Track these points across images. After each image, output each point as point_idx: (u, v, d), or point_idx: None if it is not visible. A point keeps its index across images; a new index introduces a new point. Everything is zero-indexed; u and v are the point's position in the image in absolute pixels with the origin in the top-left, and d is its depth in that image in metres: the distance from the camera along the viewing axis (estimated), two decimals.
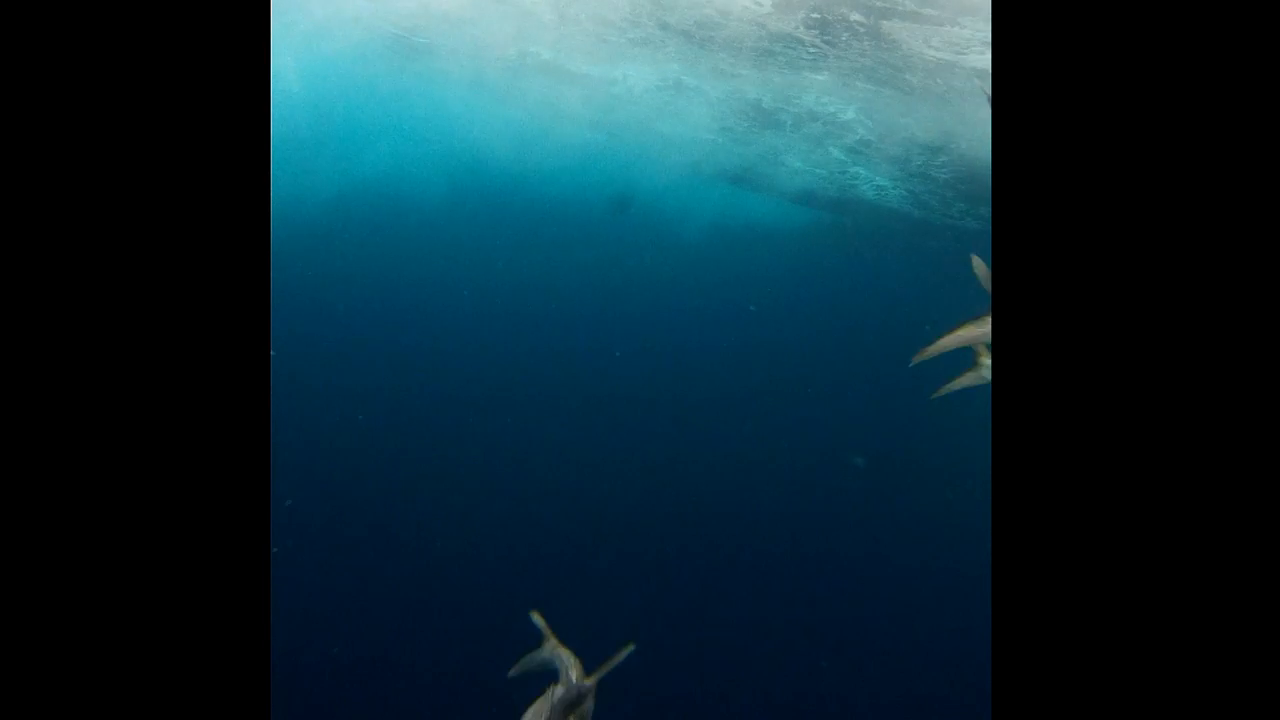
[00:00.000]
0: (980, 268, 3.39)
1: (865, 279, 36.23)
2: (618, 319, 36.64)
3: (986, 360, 3.87)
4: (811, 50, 12.60)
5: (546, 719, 4.44)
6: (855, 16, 10.81)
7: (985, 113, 12.82)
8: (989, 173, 15.48)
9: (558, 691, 4.54)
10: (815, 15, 11.11)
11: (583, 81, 17.45)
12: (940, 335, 3.56)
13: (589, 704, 4.52)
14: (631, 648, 4.55)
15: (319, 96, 25.73)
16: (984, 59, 10.93)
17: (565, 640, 5.05)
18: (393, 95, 24.09)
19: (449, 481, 18.06)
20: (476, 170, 37.98)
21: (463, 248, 39.95)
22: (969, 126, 14.19)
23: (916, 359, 3.57)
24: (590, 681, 4.57)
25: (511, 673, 5.11)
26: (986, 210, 19.45)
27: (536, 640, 5.07)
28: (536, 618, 5.09)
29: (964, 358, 3.87)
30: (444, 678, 12.22)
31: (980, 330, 3.49)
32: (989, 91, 3.02)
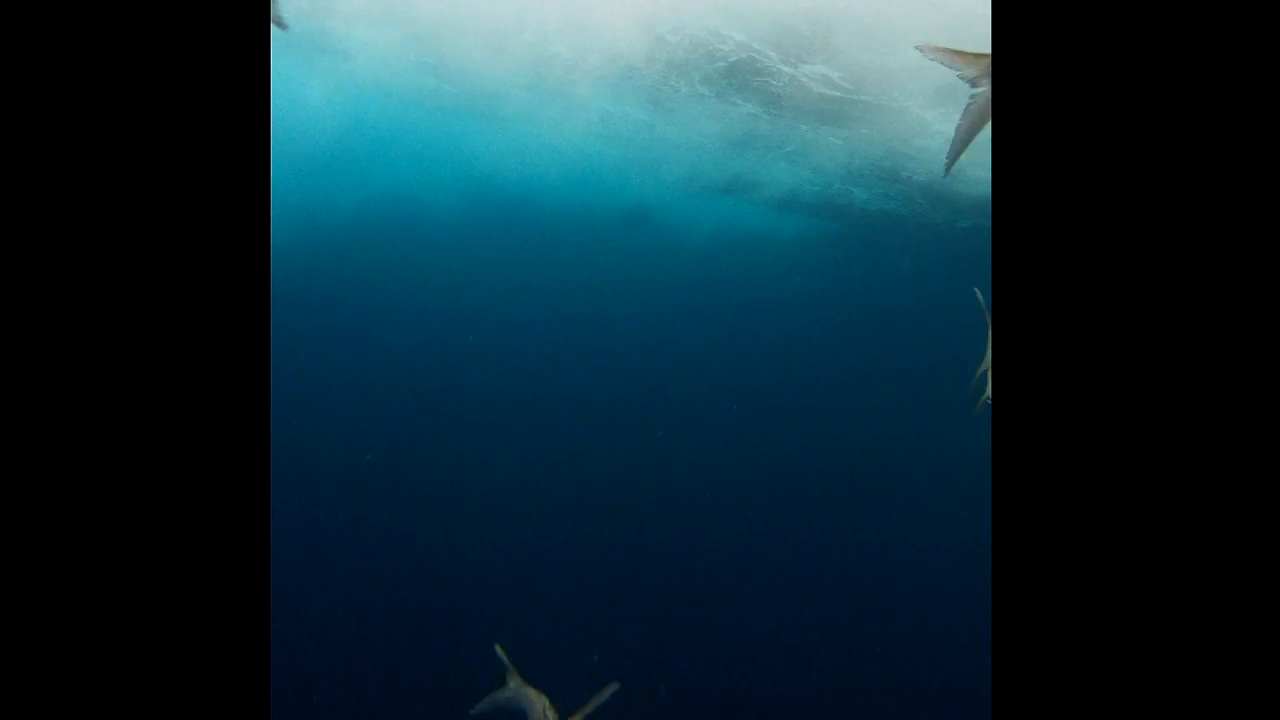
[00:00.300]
0: (980, 299, 3.68)
1: (853, 277, 36.52)
2: (620, 324, 36.73)
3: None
4: (762, 78, 13.40)
5: None
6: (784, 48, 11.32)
7: (931, 129, 13.94)
8: (943, 176, 16.82)
9: None
10: (763, 37, 11.59)
11: (585, 105, 18.17)
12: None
13: None
14: (616, 687, 4.38)
15: (346, 120, 26.86)
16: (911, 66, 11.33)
17: (567, 641, 4.96)
18: (414, 119, 25.05)
19: (463, 488, 18.12)
20: (488, 185, 38.56)
21: (474, 252, 40.49)
22: (906, 140, 15.14)
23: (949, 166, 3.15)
24: None
25: (474, 711, 4.85)
26: (948, 210, 20.65)
27: (501, 677, 4.84)
28: (501, 653, 4.85)
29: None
30: (443, 677, 12.21)
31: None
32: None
